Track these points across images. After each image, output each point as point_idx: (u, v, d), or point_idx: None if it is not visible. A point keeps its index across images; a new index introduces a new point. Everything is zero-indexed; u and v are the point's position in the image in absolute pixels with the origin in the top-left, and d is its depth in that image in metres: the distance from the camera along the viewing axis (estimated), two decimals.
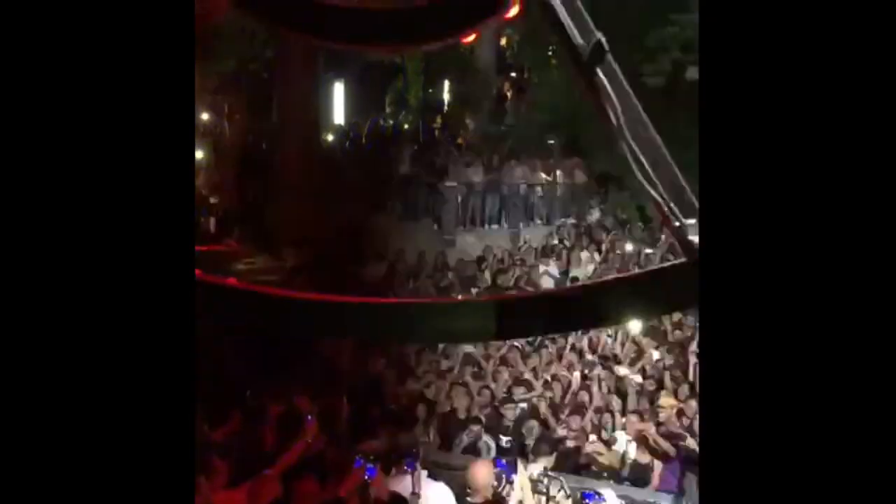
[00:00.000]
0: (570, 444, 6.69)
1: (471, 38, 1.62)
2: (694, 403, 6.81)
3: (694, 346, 8.43)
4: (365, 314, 2.54)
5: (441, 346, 9.32)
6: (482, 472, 4.55)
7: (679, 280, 2.10)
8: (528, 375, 8.41)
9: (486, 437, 6.95)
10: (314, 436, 4.89)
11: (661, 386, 7.76)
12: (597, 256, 12.64)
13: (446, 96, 18.60)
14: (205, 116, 14.80)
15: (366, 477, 3.99)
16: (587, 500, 4.80)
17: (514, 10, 1.51)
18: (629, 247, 12.78)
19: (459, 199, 14.43)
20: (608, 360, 8.76)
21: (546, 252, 13.13)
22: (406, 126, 17.61)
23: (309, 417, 4.95)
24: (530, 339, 9.56)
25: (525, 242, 13.96)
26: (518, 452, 6.43)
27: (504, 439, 6.98)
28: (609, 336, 9.34)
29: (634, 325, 9.03)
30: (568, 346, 9.15)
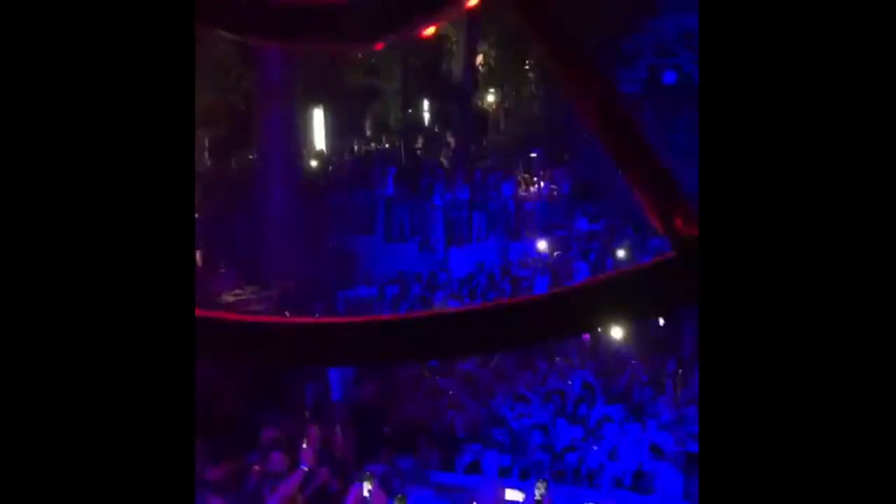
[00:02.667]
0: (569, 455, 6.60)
1: (430, 31, 1.56)
2: None
3: None
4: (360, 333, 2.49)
5: (437, 364, 9.24)
6: (490, 494, 4.47)
7: (668, 277, 2.04)
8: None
9: (487, 455, 6.85)
10: (311, 464, 4.80)
11: None
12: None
13: (426, 116, 18.65)
14: None
15: (365, 493, 3.90)
16: None
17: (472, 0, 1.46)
18: (621, 253, 12.77)
19: (445, 217, 14.42)
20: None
21: (536, 265, 13.11)
22: (387, 147, 17.62)
23: (304, 446, 4.86)
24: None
25: (530, 258, 13.83)
26: (520, 470, 6.34)
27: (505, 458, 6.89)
28: None
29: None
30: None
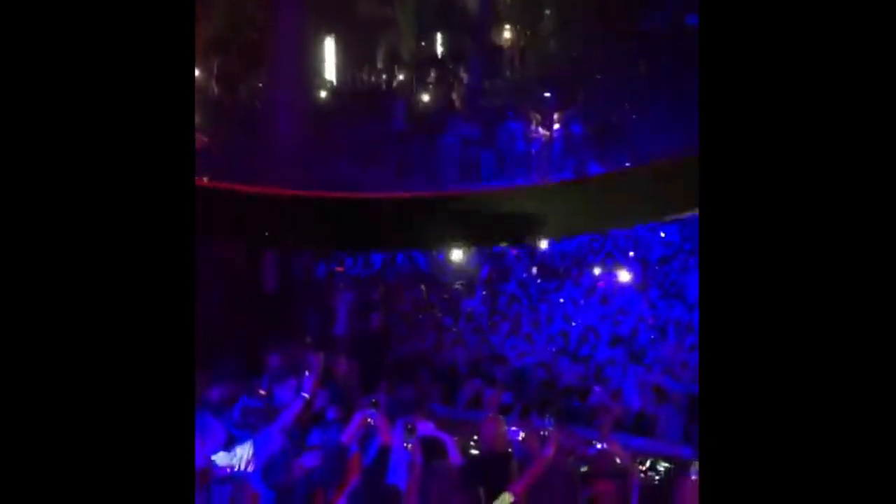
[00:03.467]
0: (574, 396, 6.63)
1: None
2: None
3: None
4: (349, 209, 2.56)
5: (442, 302, 9.28)
6: (493, 428, 4.47)
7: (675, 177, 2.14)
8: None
9: (488, 392, 6.90)
10: (312, 392, 4.82)
11: None
12: None
13: (440, 49, 18.25)
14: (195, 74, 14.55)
15: (370, 421, 3.91)
16: (589, 454, 4.75)
17: None
18: None
19: (455, 154, 14.23)
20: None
21: None
22: (399, 80, 17.29)
23: (306, 374, 4.87)
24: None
25: None
26: (520, 407, 6.38)
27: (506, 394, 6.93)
28: None
29: None
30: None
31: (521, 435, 5.01)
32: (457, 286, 10.40)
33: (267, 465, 3.69)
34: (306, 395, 4.56)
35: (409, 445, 4.06)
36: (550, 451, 3.82)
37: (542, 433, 3.99)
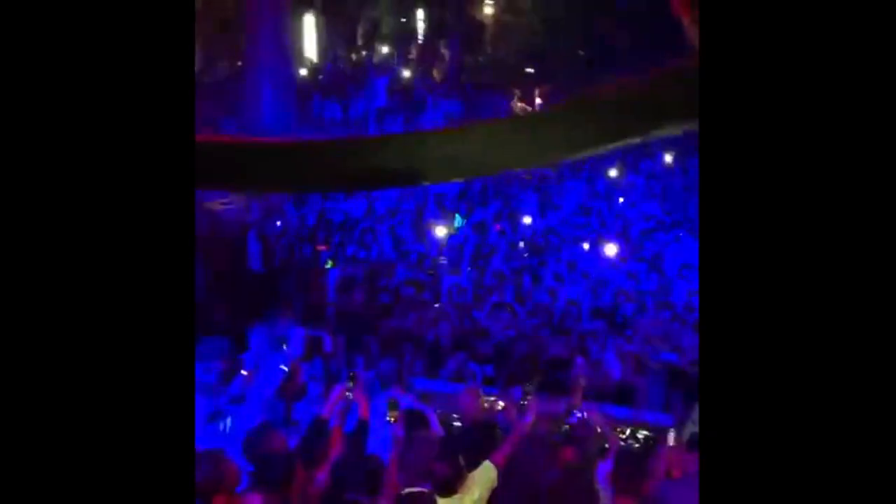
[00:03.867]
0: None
1: None
2: None
3: None
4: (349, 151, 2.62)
5: (427, 279, 9.31)
6: (470, 399, 4.55)
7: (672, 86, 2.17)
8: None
9: (472, 365, 6.96)
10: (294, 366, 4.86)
11: None
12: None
13: (420, 25, 18.14)
14: None
15: (348, 395, 3.95)
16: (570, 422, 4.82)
17: None
18: (613, 172, 12.71)
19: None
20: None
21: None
22: (381, 55, 17.20)
23: (284, 348, 4.92)
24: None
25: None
26: (504, 379, 6.45)
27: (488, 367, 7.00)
28: None
29: None
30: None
31: (501, 405, 5.09)
32: (441, 261, 10.45)
33: (246, 439, 3.73)
34: (285, 369, 4.60)
35: (392, 418, 4.12)
36: (529, 420, 3.87)
37: (521, 403, 4.04)
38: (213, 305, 9.63)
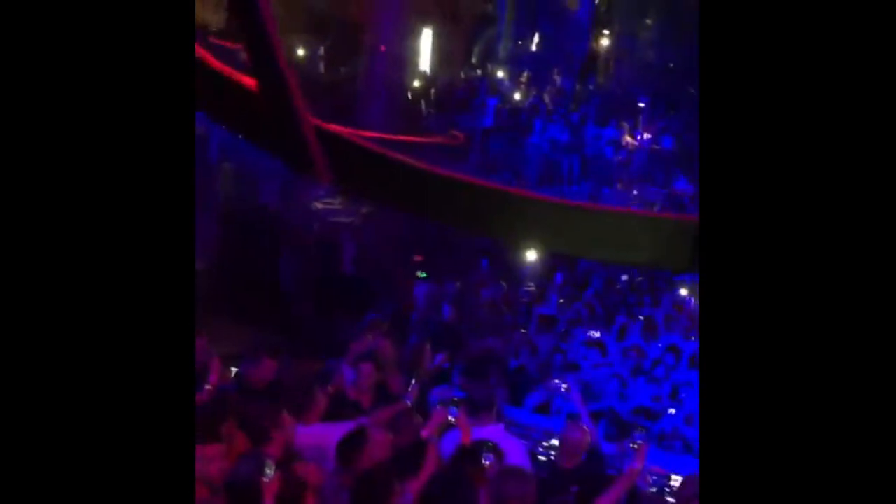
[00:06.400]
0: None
1: None
2: None
3: None
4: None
5: (517, 304, 9.24)
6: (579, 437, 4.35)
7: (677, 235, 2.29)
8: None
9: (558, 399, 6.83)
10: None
11: None
12: None
13: (535, 49, 18.15)
14: (300, 52, 14.89)
15: (450, 418, 3.92)
16: None
17: None
18: None
19: (540, 156, 14.13)
20: None
21: None
22: (493, 77, 17.28)
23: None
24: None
25: None
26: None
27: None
28: None
29: None
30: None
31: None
32: (529, 288, 10.35)
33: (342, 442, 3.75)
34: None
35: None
36: (638, 465, 3.76)
37: (632, 446, 3.91)
38: (300, 300, 9.82)
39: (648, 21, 18.06)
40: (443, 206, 3.67)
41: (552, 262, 10.91)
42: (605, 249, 3.41)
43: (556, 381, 4.88)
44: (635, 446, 3.85)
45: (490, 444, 3.75)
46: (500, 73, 17.25)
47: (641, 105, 15.49)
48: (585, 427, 4.45)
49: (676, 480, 4.83)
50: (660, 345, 7.83)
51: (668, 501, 4.45)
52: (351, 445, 3.71)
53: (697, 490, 3.24)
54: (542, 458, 5.15)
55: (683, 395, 6.76)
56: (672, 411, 6.37)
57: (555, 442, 5.16)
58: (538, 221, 3.18)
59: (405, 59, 14.70)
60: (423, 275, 10.05)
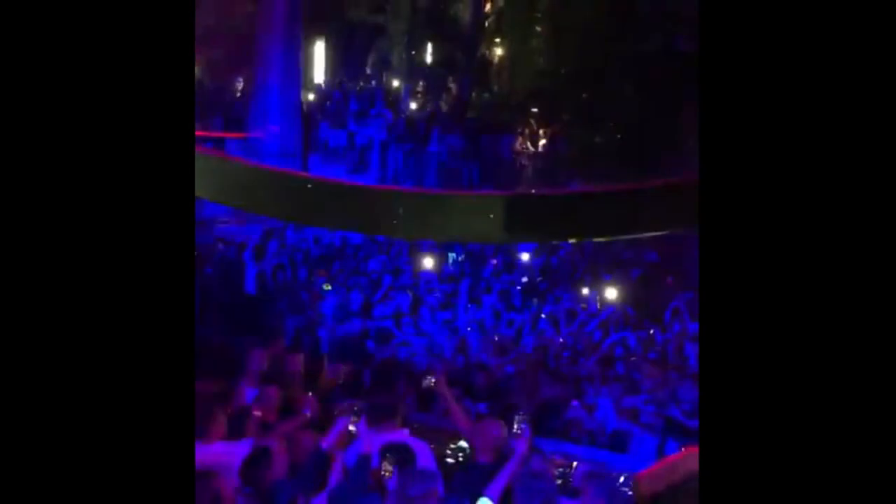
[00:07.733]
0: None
1: None
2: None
3: None
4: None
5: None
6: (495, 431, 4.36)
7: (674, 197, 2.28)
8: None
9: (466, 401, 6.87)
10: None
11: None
12: None
13: (429, 59, 18.30)
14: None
15: (351, 429, 3.88)
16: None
17: None
18: None
19: (438, 164, 14.25)
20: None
21: None
22: (388, 88, 17.32)
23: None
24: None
25: None
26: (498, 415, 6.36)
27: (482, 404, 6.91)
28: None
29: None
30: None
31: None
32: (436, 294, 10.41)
33: (244, 462, 3.66)
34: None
35: (386, 473, 3.94)
36: (523, 449, 3.84)
37: (514, 431, 4.00)
38: (205, 321, 9.53)
39: (538, 28, 18.54)
40: (336, 213, 3.66)
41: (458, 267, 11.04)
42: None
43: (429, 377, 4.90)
44: (517, 431, 3.96)
45: (393, 448, 3.74)
46: (396, 83, 17.30)
47: (534, 111, 15.88)
48: (501, 421, 4.49)
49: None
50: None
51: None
52: (254, 465, 3.62)
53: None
54: (450, 460, 5.17)
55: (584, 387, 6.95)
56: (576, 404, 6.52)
57: (462, 443, 5.19)
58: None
59: (298, 71, 14.52)
60: (328, 287, 9.94)
